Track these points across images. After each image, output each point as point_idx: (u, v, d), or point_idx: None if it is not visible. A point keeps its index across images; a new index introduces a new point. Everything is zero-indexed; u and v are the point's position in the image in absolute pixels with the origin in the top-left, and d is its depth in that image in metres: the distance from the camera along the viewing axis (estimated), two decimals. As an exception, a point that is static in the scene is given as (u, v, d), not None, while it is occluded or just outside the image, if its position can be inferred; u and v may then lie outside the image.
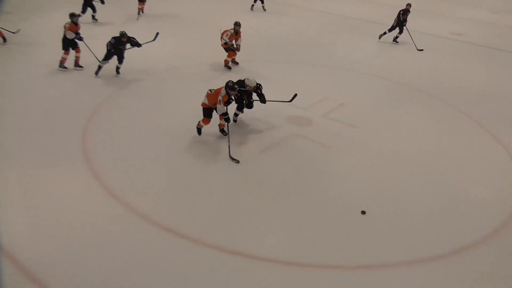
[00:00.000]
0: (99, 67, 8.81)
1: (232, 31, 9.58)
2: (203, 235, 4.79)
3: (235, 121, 7.35)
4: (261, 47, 11.60)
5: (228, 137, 6.48)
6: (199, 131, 6.82)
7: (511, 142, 7.34)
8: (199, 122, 6.77)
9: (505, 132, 7.71)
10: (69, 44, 8.86)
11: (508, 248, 5.05)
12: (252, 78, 7.03)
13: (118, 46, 8.62)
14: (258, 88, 7.05)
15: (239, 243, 4.74)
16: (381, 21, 15.55)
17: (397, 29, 12.74)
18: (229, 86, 6.39)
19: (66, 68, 9.01)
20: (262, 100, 7.21)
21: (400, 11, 12.65)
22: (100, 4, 12.31)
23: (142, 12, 13.67)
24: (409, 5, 12.62)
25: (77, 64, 9.12)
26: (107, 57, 8.73)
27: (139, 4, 13.54)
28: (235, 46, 9.69)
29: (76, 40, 8.84)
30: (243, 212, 5.26)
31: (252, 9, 15.62)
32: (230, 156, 6.28)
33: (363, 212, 5.32)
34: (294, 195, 5.63)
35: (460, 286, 4.44)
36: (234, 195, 5.59)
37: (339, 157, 6.64)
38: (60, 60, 8.98)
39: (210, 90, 6.60)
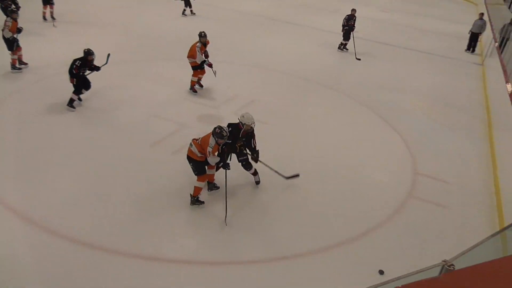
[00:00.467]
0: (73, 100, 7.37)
1: (200, 44, 8.22)
2: (116, 244, 4.54)
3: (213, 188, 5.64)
4: (172, 45, 11.32)
5: (226, 197, 5.19)
6: (198, 201, 5.27)
7: (404, 129, 8.06)
8: (194, 188, 5.23)
9: (399, 120, 8.43)
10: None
11: (408, 224, 5.53)
12: (248, 114, 5.45)
13: (84, 68, 7.24)
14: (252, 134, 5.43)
15: (155, 248, 4.59)
16: (287, 19, 16.11)
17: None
18: (217, 133, 5.01)
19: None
20: (254, 156, 5.47)
21: (345, 17, 12.69)
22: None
23: (53, 18, 11.98)
24: (354, 10, 12.82)
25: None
26: (79, 87, 7.30)
27: (44, 8, 11.88)
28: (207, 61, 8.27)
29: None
30: (154, 218, 5.09)
31: (184, 14, 15.12)
32: (225, 220, 5.12)
33: (381, 272, 4.57)
34: (206, 196, 5.58)
35: (373, 262, 4.77)
36: (144, 200, 5.37)
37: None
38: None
39: (194, 139, 5.25)
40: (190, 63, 8.30)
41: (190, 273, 4.38)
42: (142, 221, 4.99)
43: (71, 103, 7.34)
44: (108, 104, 7.73)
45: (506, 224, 5.35)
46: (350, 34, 12.61)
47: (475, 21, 14.36)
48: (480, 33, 14.22)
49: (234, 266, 4.52)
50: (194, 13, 15.18)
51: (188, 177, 5.83)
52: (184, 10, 15.27)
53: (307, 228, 5.21)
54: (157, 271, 4.34)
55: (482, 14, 14.68)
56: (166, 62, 10.18)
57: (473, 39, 14.18)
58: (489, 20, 16.57)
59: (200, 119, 7.50)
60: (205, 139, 5.08)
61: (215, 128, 5.03)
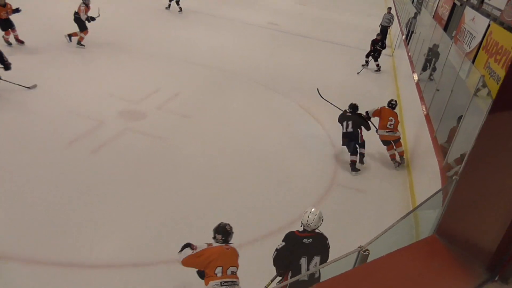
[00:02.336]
0: None
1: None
2: (33, 253, 4.11)
3: None
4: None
5: None
6: None
7: (326, 119, 8.28)
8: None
9: (320, 111, 8.67)
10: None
11: (332, 209, 5.68)
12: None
13: None
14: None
15: (73, 254, 4.23)
16: (208, 11, 15.82)
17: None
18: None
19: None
20: None
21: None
22: None
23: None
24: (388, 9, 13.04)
25: None
26: None
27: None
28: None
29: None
30: (72, 223, 4.69)
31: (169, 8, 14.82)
32: None
33: None
34: (129, 196, 5.28)
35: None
36: (60, 204, 4.93)
37: (174, 149, 6.49)
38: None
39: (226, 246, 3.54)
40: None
41: (111, 277, 4.09)
42: (55, 226, 4.57)
43: None
44: (22, 97, 7.02)
45: (417, 203, 5.73)
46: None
47: (384, 14, 15.28)
48: (389, 26, 15.12)
49: (160, 266, 4.31)
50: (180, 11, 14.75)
51: (105, 177, 5.48)
52: (169, 5, 14.83)
53: (233, 222, 5.13)
54: (76, 278, 4.00)
55: (390, 8, 15.69)
56: (83, 53, 9.50)
57: (383, 32, 14.98)
58: (396, 14, 17.73)
59: (122, 115, 7.07)
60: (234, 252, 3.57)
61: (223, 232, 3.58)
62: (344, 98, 9.78)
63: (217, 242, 3.52)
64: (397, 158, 6.98)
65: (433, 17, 13.24)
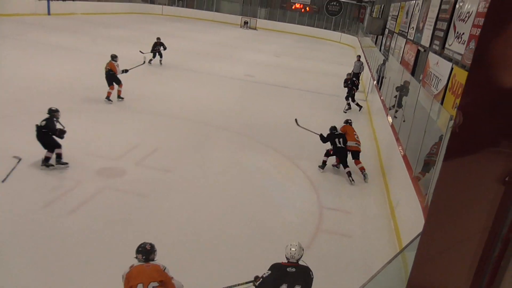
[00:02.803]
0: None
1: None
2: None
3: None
4: (61, 95, 10.55)
5: None
6: None
7: (307, 166, 8.35)
8: None
9: (301, 157, 8.76)
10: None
11: (319, 257, 5.57)
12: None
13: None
14: None
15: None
16: (185, 66, 16.20)
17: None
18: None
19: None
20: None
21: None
22: None
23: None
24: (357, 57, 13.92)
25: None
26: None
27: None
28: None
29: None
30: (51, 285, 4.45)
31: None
32: None
33: None
34: (110, 257, 5.08)
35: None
36: (37, 267, 4.69)
37: (154, 205, 6.36)
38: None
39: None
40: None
41: None
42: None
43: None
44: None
45: (404, 245, 5.70)
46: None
47: (355, 62, 16.06)
48: (360, 72, 15.83)
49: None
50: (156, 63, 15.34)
51: (84, 238, 5.28)
52: (151, 60, 15.32)
53: (215, 275, 4.98)
54: None
55: (359, 56, 16.55)
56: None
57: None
58: (366, 61, 18.54)
59: (100, 173, 6.96)
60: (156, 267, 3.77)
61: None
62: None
63: (139, 261, 3.76)
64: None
65: (400, 63, 13.90)
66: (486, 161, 0.69)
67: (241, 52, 22.28)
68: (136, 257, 3.78)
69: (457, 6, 8.69)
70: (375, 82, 14.07)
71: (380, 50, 20.21)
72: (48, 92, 10.76)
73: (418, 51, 11.92)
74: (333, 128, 8.19)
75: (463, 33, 7.87)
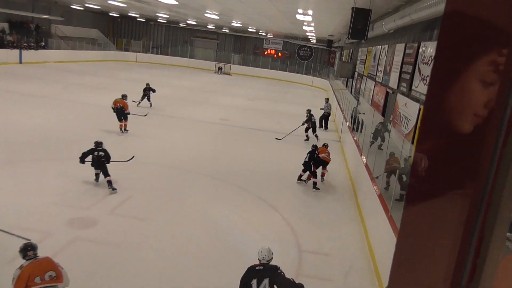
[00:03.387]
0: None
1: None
2: None
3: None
4: (29, 144, 10.33)
5: None
6: None
7: (285, 208, 8.34)
8: None
9: (279, 198, 8.74)
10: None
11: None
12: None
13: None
14: None
15: None
16: (160, 111, 16.26)
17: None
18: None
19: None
20: None
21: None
22: None
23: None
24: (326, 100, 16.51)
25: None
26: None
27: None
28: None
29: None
30: None
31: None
32: None
33: None
34: None
35: None
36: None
37: (130, 256, 6.16)
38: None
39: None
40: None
41: None
42: None
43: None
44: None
45: (384, 286, 5.66)
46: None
47: (325, 104, 17.15)
48: (329, 113, 17.30)
49: None
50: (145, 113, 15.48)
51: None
52: (139, 102, 16.35)
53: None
54: None
55: (327, 99, 18.08)
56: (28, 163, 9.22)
57: (325, 119, 17.13)
58: (338, 103, 19.14)
59: (71, 224, 6.73)
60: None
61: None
62: (301, 186, 10.01)
63: (29, 259, 4.08)
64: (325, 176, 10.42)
65: (371, 105, 14.39)
66: (446, 202, 0.73)
67: (216, 97, 22.63)
68: (25, 256, 4.11)
69: (420, 50, 9.20)
70: (347, 123, 14.45)
71: (351, 92, 20.93)
72: (15, 142, 10.54)
73: (387, 92, 12.40)
74: (314, 146, 10.22)
75: (428, 76, 8.28)
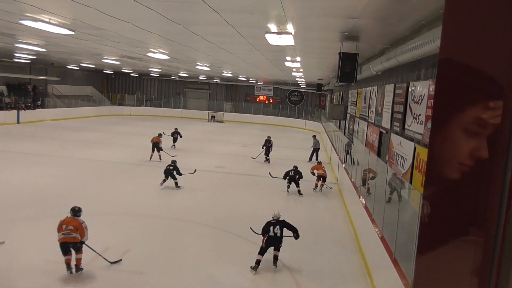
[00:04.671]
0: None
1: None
2: None
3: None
4: (26, 201, 10.18)
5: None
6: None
7: (285, 256, 8.14)
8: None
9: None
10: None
11: None
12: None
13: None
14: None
15: None
16: (153, 162, 16.24)
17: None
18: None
19: None
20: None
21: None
22: None
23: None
24: (313, 137, 20.19)
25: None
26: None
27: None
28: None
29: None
30: None
31: None
32: None
33: None
34: None
35: None
36: None
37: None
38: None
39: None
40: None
41: None
42: None
43: None
44: None
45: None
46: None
47: (313, 141, 20.23)
48: (319, 148, 19.98)
49: None
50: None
51: None
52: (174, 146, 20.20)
53: None
54: None
55: (314, 136, 20.89)
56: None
57: (316, 152, 19.76)
58: (332, 145, 19.27)
59: (65, 282, 6.49)
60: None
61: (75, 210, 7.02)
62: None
63: (69, 215, 6.97)
64: (318, 187, 13.74)
65: (365, 145, 14.49)
66: (458, 250, 0.71)
67: (211, 145, 22.74)
68: (70, 213, 6.97)
69: (409, 90, 9.39)
70: (343, 164, 14.47)
71: (344, 134, 21.12)
72: (11, 200, 10.40)
73: (381, 132, 12.53)
74: (295, 167, 13.27)
75: (420, 114, 8.41)
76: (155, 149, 17.09)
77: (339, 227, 10.24)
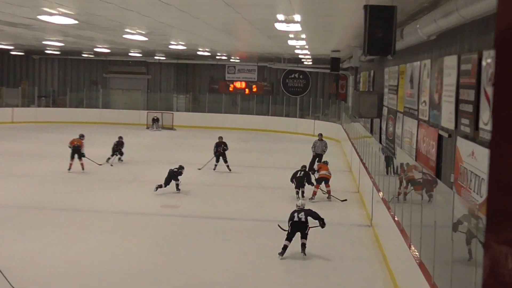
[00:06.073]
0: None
1: None
2: None
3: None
4: None
5: None
6: None
7: None
8: None
9: None
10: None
11: None
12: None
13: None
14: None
15: None
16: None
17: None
18: None
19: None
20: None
21: None
22: None
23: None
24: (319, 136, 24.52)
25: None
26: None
27: None
28: None
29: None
30: None
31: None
32: None
33: None
34: None
35: None
36: None
37: None
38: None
39: None
40: None
41: None
42: None
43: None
44: None
45: None
46: None
47: (315, 142, 24.64)
48: (322, 154, 23.71)
49: None
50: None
51: None
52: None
53: None
54: None
55: (321, 135, 25.46)
56: None
57: (317, 159, 23.30)
58: (363, 163, 19.53)
59: None
60: None
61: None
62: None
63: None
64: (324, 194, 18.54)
65: (416, 159, 14.61)
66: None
67: (152, 169, 22.62)
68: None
69: (483, 63, 9.42)
70: (381, 194, 14.51)
71: (380, 141, 21.16)
72: None
73: (440, 136, 12.63)
74: (303, 166, 19.05)
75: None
76: (76, 155, 20.33)
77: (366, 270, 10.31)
